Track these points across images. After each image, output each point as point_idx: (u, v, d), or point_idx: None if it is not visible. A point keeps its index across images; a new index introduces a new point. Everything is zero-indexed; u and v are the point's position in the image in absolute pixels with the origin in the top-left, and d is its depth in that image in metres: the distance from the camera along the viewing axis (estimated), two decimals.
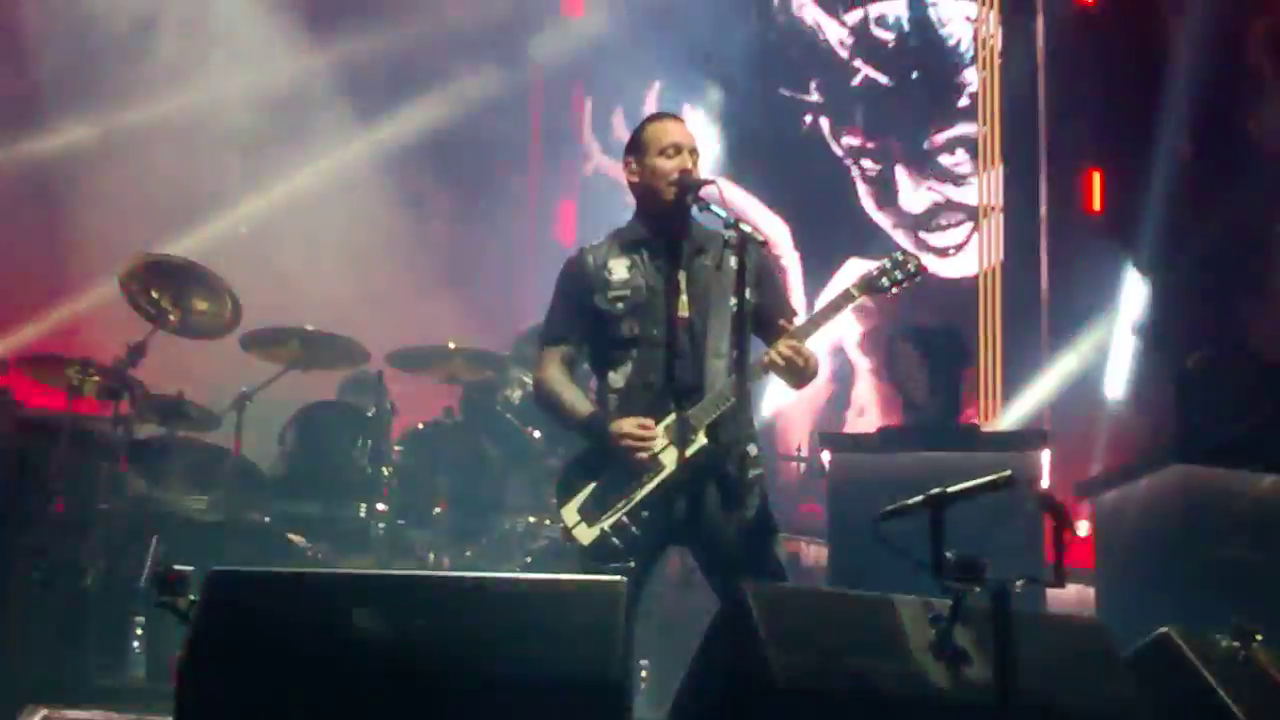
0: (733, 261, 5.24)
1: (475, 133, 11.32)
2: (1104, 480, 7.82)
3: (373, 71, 11.25)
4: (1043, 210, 11.29)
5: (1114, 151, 11.15)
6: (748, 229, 5.12)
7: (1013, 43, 11.53)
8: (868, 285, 5.53)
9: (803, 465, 10.19)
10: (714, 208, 5.32)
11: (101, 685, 7.33)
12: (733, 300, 5.31)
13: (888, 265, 5.55)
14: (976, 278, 11.44)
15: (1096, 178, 11.21)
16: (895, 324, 10.39)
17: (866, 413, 11.58)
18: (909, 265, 5.55)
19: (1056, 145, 11.32)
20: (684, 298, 5.49)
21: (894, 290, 5.56)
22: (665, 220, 5.56)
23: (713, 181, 5.42)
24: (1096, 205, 11.18)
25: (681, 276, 5.51)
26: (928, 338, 8.10)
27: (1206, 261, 10.47)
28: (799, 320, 5.49)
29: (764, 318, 5.42)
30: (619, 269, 5.56)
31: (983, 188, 11.53)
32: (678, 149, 5.52)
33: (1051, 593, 6.16)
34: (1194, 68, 10.65)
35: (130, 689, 7.31)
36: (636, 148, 5.63)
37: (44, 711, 6.92)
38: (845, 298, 5.50)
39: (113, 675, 7.49)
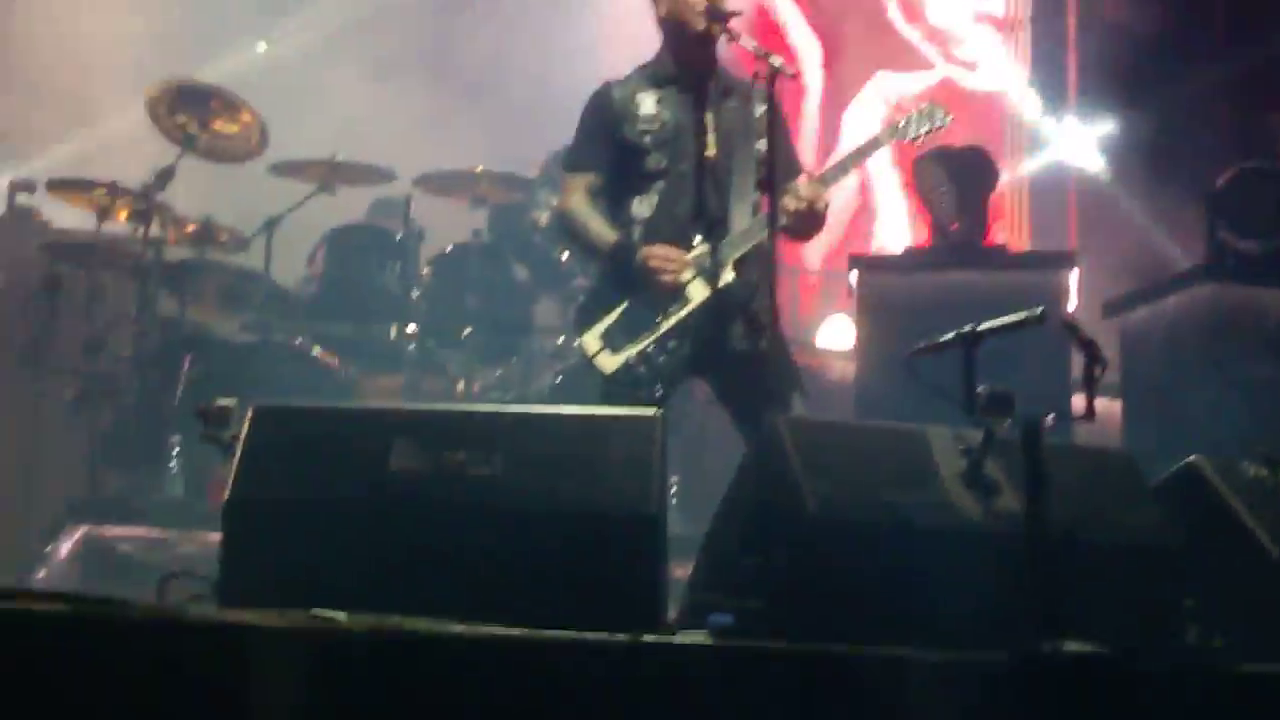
0: (759, 109, 5.27)
1: None
2: (1131, 299, 7.79)
3: None
4: (1070, 19, 11.13)
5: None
6: (778, 62, 5.07)
7: None
8: (895, 132, 5.59)
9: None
10: (743, 39, 5.28)
11: (139, 504, 7.46)
12: (759, 144, 5.34)
13: (915, 114, 5.60)
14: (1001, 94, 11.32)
15: None
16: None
17: (893, 226, 11.54)
18: (936, 115, 5.61)
19: None
20: (711, 136, 5.49)
21: (920, 139, 5.62)
22: (693, 52, 5.54)
23: (740, 13, 5.37)
24: (1124, 10, 10.99)
25: (709, 116, 5.51)
26: (955, 159, 8.02)
27: (1233, 75, 10.33)
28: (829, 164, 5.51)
29: (780, 167, 5.38)
30: (647, 103, 5.55)
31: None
32: None
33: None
34: None
35: (168, 507, 7.44)
36: None
37: (84, 529, 7.09)
38: (872, 144, 5.60)
39: (150, 494, 7.61)
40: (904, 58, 11.59)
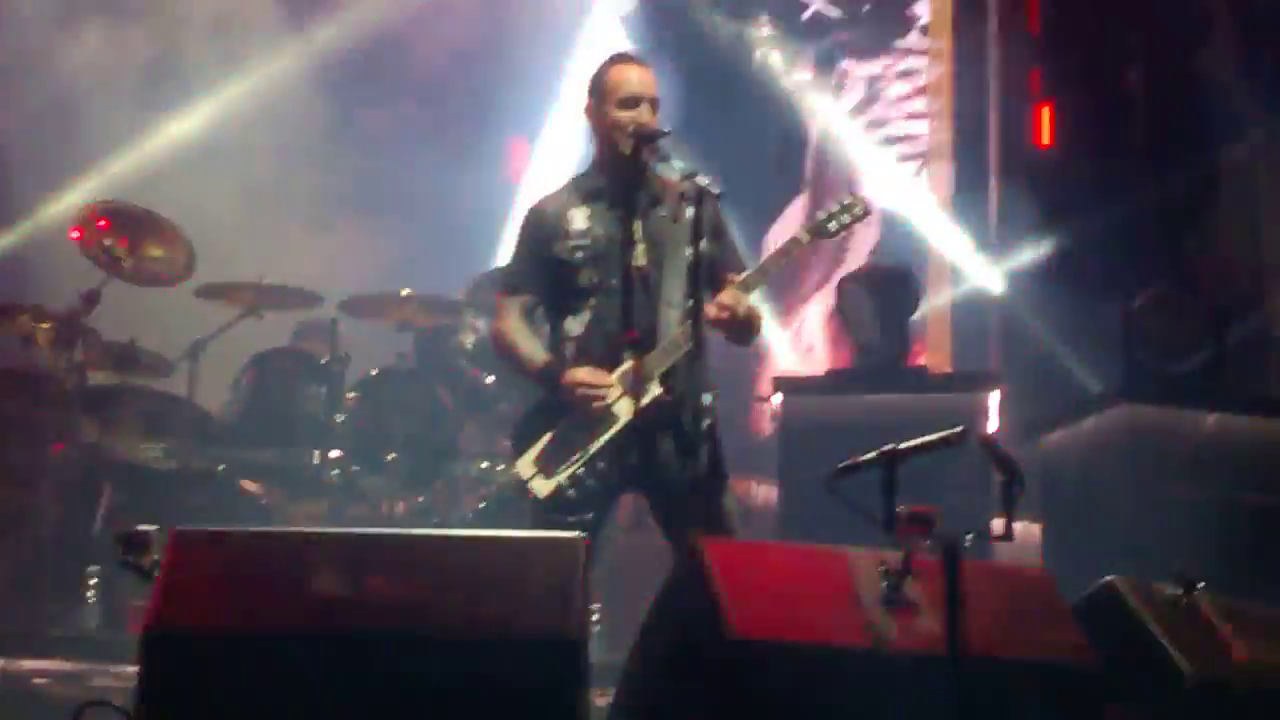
0: (689, 213, 5.25)
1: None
2: (1049, 421, 7.89)
3: None
4: (991, 146, 11.32)
5: (1066, 86, 11.16)
6: (704, 181, 5.13)
7: None
8: (816, 230, 5.59)
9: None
10: (671, 160, 5.33)
11: (56, 635, 7.35)
12: (688, 251, 5.34)
13: (835, 209, 5.62)
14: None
15: (1046, 112, 11.22)
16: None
17: (815, 349, 11.61)
18: (856, 208, 5.63)
19: (1007, 79, 11.32)
20: (640, 247, 5.51)
21: (841, 233, 5.64)
22: (622, 171, 5.58)
23: (668, 133, 5.43)
24: (1046, 139, 11.21)
25: (638, 226, 5.54)
26: (877, 279, 8.14)
27: (1154, 198, 10.53)
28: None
29: (716, 271, 5.46)
30: (578, 218, 5.58)
31: (934, 127, 11.55)
32: (636, 100, 5.51)
33: None
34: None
35: (86, 638, 7.33)
36: (596, 92, 5.63)
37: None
38: (793, 243, 5.57)
39: (67, 625, 7.51)
40: None
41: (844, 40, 11.94)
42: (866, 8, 11.92)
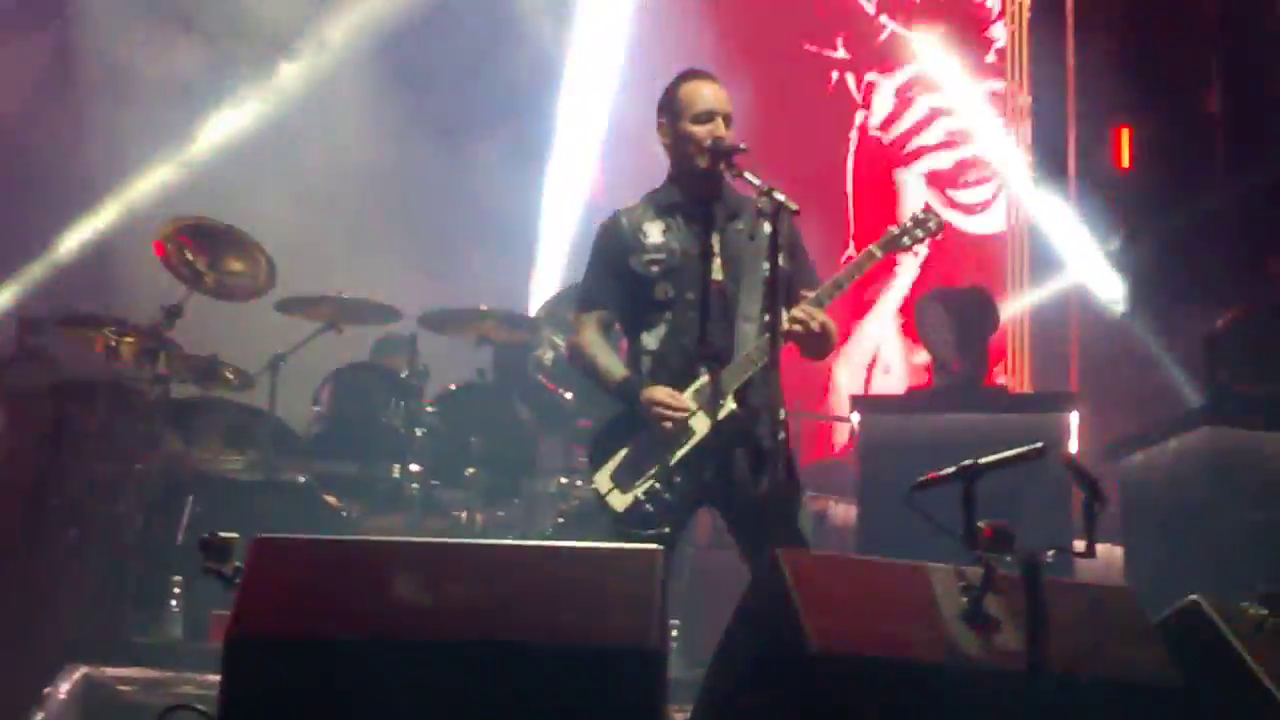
0: (766, 228, 5.26)
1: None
2: (1131, 442, 7.82)
3: None
4: (1071, 167, 11.27)
5: (1144, 107, 11.10)
6: (781, 197, 5.14)
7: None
8: (889, 243, 5.60)
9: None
10: (747, 175, 5.34)
11: (139, 644, 7.41)
12: (765, 266, 5.35)
13: (909, 224, 5.62)
14: (1004, 235, 11.46)
15: (1125, 134, 11.17)
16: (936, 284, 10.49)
17: (891, 371, 11.60)
18: (930, 223, 5.62)
19: (1085, 100, 11.28)
20: (717, 261, 5.53)
21: (915, 247, 5.66)
22: (698, 185, 5.60)
23: (745, 149, 5.44)
24: (1125, 162, 11.16)
25: (715, 241, 5.55)
26: (957, 300, 8.11)
27: (1235, 217, 10.45)
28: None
29: (792, 287, 5.46)
30: (654, 232, 5.60)
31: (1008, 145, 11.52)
32: (710, 115, 5.54)
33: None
34: (1225, 19, 10.62)
35: (168, 647, 7.39)
36: (669, 109, 5.65)
37: (84, 670, 7.03)
38: (867, 257, 5.57)
39: (150, 634, 7.57)
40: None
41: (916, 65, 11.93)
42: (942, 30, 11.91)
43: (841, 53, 12.05)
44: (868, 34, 12.00)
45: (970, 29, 11.86)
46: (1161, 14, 11.06)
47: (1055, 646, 3.82)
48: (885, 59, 11.95)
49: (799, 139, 11.06)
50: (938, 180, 11.79)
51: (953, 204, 11.61)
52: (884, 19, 11.96)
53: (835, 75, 12.04)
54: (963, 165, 11.79)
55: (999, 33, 11.76)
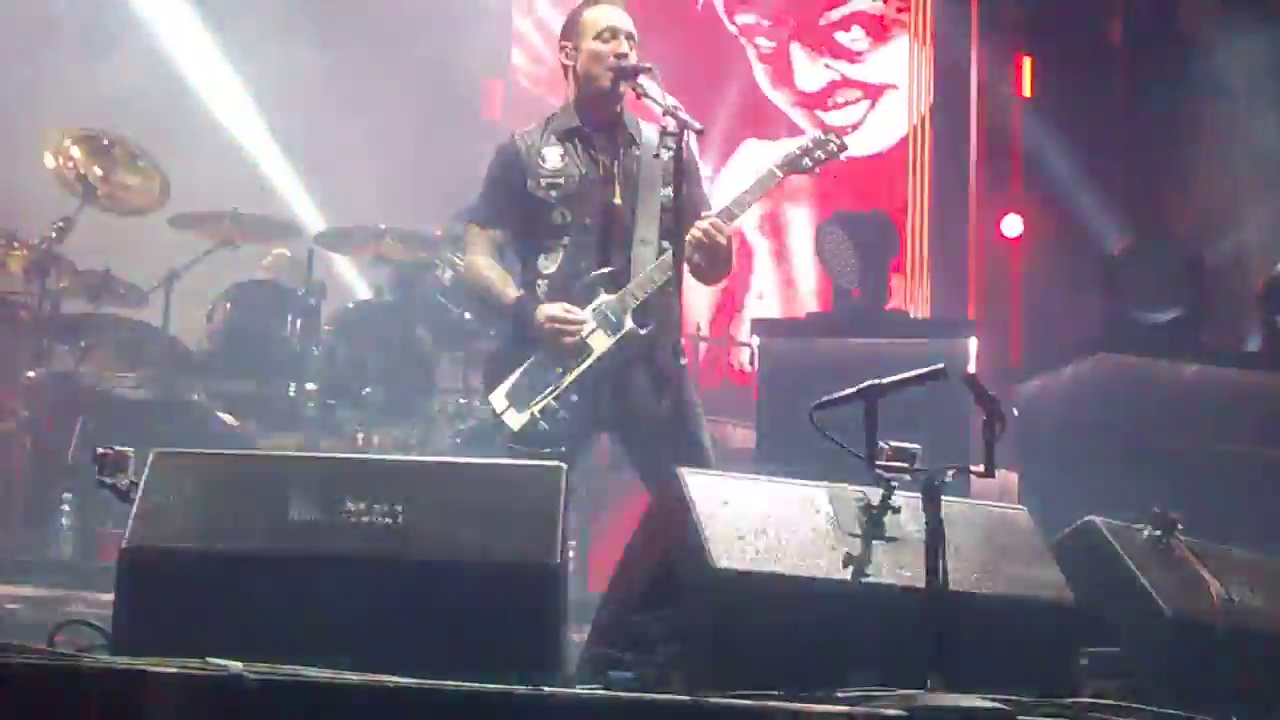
0: (664, 155, 5.24)
1: None
2: (1028, 368, 7.92)
3: None
4: (973, 93, 11.30)
5: (1046, 37, 11.17)
6: (685, 116, 5.12)
7: None
8: (790, 163, 5.58)
9: (701, 346, 10.41)
10: (651, 93, 5.30)
11: (29, 563, 7.32)
12: (663, 191, 5.38)
13: (809, 144, 5.62)
14: (876, 157, 11.45)
15: (1028, 63, 11.24)
16: (800, 206, 10.53)
17: (766, 297, 11.59)
18: (830, 144, 5.62)
19: (988, 29, 11.32)
20: (616, 186, 5.51)
21: (817, 169, 5.64)
22: (600, 107, 5.57)
23: (650, 68, 5.40)
24: (1027, 91, 11.22)
25: (614, 166, 5.53)
26: (857, 223, 8.12)
27: (1132, 149, 10.57)
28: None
29: (688, 211, 5.38)
30: (552, 156, 5.57)
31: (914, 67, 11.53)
32: (614, 33, 5.53)
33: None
34: None
35: (59, 565, 7.30)
36: (572, 32, 5.62)
37: None
38: (769, 177, 5.54)
39: (40, 552, 7.48)
40: (773, 126, 11.67)
41: None
42: None
43: None
44: None
45: None
46: None
47: (954, 566, 3.85)
48: None
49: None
50: (807, 102, 11.72)
51: (822, 125, 11.44)
52: None
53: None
54: (832, 86, 11.74)
55: None
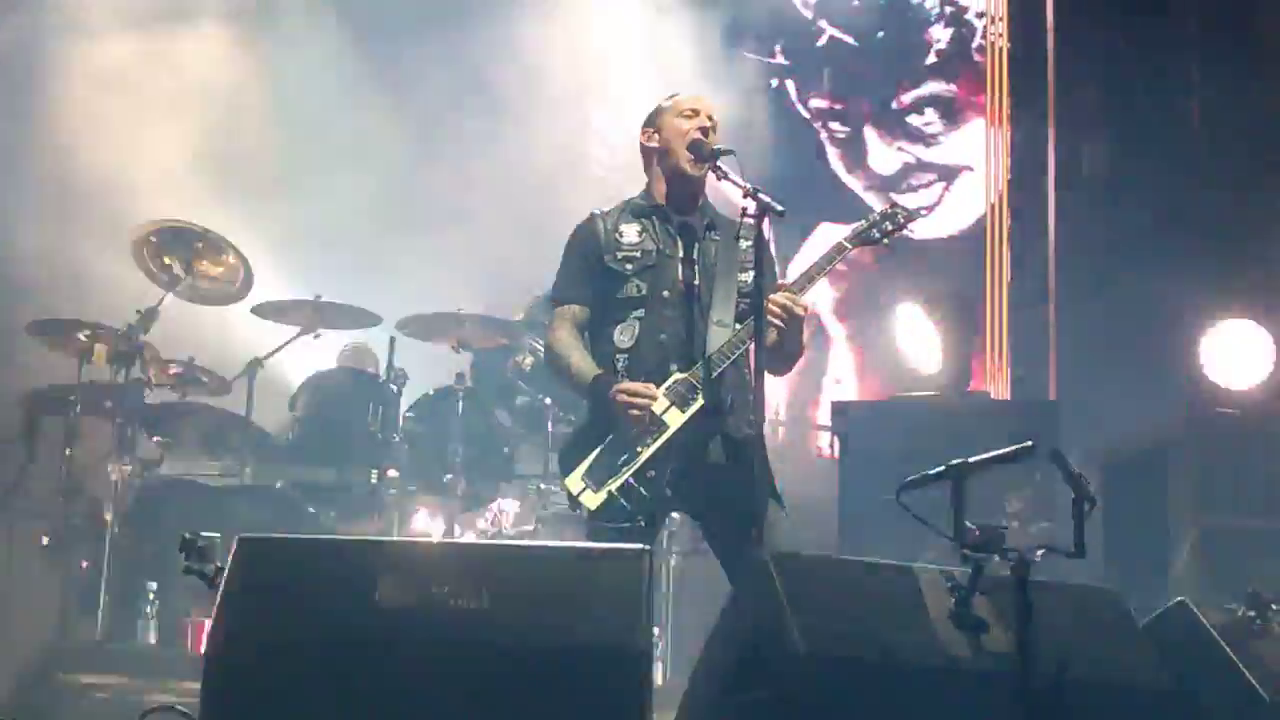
0: (744, 239, 5.33)
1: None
2: (1111, 447, 7.82)
3: None
4: (1050, 174, 11.26)
5: (1123, 117, 11.11)
6: (766, 198, 5.13)
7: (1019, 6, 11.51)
8: (859, 236, 5.60)
9: (780, 430, 10.32)
10: (731, 175, 5.32)
11: (113, 650, 7.36)
12: (740, 276, 5.42)
13: (877, 217, 5.64)
14: (952, 239, 11.42)
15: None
16: (875, 291, 10.49)
17: (844, 381, 11.53)
18: (899, 215, 5.64)
19: (1064, 108, 11.28)
20: (694, 266, 5.52)
21: (885, 240, 5.63)
22: (680, 187, 5.59)
23: (731, 151, 5.42)
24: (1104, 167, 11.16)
25: (693, 247, 5.55)
26: (937, 306, 8.10)
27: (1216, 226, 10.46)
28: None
29: (765, 292, 5.35)
30: (630, 232, 5.59)
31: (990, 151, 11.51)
32: (696, 112, 5.58)
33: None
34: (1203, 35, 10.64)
35: (142, 654, 7.34)
36: (655, 118, 5.68)
37: (58, 676, 6.98)
38: (837, 249, 5.55)
39: (124, 641, 7.52)
40: (847, 210, 11.63)
41: (859, 68, 11.89)
42: (880, 34, 11.87)
43: (780, 59, 11.96)
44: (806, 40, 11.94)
45: (909, 31, 11.83)
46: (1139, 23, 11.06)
47: (1045, 648, 3.79)
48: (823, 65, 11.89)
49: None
50: (882, 185, 11.71)
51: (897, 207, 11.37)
52: (822, 24, 11.89)
53: (774, 82, 11.94)
54: (906, 169, 11.74)
55: (938, 34, 11.74)
